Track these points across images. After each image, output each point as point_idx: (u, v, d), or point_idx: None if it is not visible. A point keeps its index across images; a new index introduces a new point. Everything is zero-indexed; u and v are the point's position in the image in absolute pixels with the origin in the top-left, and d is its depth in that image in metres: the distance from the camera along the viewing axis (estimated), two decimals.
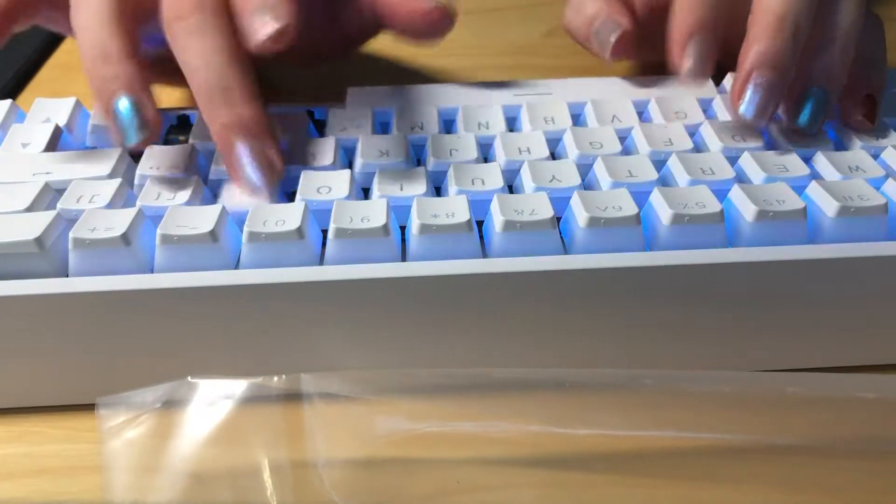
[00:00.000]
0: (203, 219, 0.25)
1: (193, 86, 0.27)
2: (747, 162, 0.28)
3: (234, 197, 0.27)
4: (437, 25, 0.31)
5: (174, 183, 0.27)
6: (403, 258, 0.25)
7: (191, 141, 0.30)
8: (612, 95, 0.33)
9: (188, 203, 0.26)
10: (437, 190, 0.29)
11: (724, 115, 0.31)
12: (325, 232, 0.25)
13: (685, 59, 0.31)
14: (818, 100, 0.29)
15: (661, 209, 0.25)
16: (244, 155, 0.26)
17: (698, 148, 0.30)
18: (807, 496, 0.23)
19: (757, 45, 0.28)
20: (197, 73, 0.27)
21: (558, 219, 0.26)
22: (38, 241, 0.24)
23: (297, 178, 0.28)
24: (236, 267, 0.25)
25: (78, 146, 0.31)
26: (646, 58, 0.38)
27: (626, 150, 0.30)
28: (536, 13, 0.41)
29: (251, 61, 0.28)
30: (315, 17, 0.34)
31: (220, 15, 0.28)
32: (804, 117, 0.29)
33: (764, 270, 0.25)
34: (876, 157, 0.29)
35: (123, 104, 0.27)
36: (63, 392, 0.26)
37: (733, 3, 0.31)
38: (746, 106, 0.28)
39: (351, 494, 0.22)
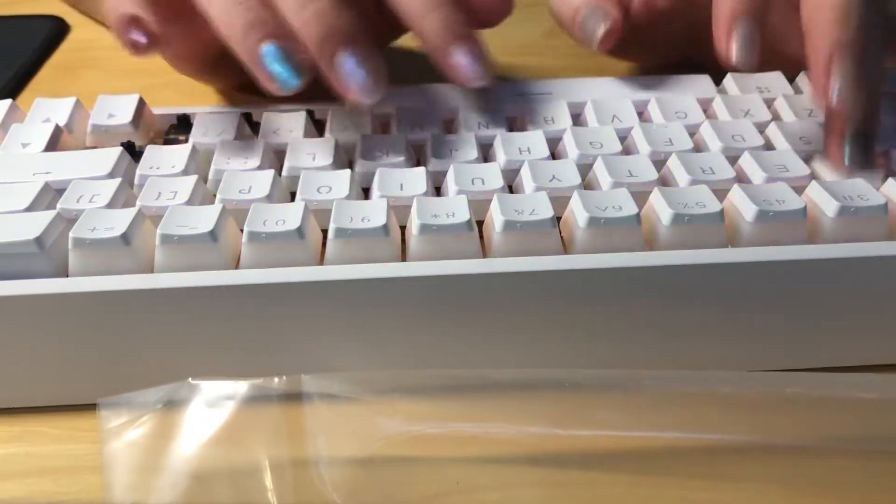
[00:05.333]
0: (203, 219, 0.25)
1: None
2: (747, 162, 0.28)
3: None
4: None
5: (174, 183, 0.27)
6: (403, 258, 0.25)
7: (191, 141, 0.30)
8: (612, 95, 0.33)
9: (188, 203, 0.26)
10: (437, 190, 0.29)
11: (724, 115, 0.31)
12: (325, 232, 0.25)
13: (731, 43, 0.29)
14: None
15: (661, 209, 0.25)
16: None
17: (698, 148, 0.30)
18: (807, 496, 0.23)
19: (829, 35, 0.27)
20: None
21: (558, 219, 0.26)
22: (38, 240, 0.24)
23: (297, 178, 0.28)
24: (236, 267, 0.25)
25: (78, 146, 0.31)
26: (636, 58, 0.38)
27: (626, 150, 0.30)
28: (536, 13, 0.41)
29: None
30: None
31: None
32: None
33: (764, 270, 0.25)
34: None
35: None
36: (63, 392, 0.26)
37: None
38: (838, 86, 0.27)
39: (351, 494, 0.22)
